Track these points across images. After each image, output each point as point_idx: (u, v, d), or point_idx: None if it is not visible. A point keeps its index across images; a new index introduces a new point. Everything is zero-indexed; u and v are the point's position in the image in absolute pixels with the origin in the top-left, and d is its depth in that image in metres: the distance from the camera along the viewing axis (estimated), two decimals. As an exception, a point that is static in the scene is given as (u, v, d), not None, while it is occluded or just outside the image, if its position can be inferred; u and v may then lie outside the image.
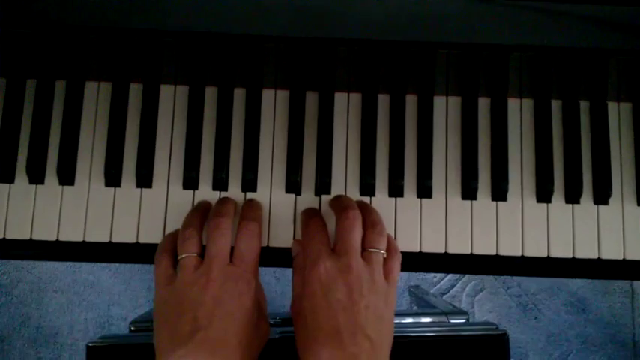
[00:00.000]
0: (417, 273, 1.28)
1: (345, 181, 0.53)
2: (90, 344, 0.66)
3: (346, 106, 0.54)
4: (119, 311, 1.31)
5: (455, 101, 0.54)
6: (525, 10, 0.44)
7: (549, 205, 0.53)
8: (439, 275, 1.34)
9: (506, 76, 0.50)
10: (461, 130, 0.54)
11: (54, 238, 0.51)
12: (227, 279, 0.45)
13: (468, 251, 0.52)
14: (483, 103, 0.54)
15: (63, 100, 0.53)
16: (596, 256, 0.52)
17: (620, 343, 1.33)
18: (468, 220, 0.52)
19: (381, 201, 0.53)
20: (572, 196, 0.53)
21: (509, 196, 0.53)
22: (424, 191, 0.53)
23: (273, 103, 0.54)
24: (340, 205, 0.49)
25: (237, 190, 0.53)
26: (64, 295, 1.32)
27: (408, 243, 0.52)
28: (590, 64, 0.47)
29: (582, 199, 0.53)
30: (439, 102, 0.54)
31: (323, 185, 0.52)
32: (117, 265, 1.31)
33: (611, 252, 0.52)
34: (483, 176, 0.53)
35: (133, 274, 1.32)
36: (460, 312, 0.85)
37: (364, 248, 0.47)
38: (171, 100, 0.54)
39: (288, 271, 0.50)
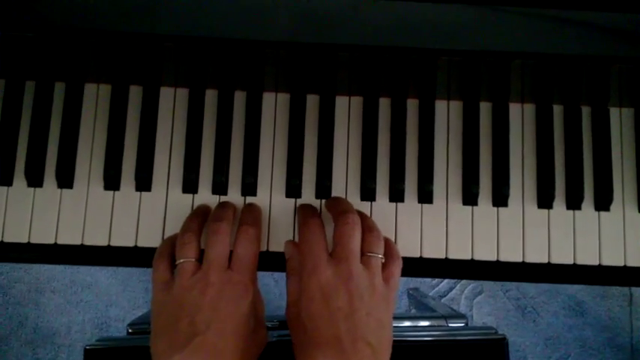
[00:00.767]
0: (416, 275, 1.28)
1: (345, 185, 0.53)
2: (87, 347, 0.66)
3: (347, 110, 0.54)
4: (117, 312, 1.31)
5: (456, 106, 0.54)
6: (527, 17, 0.43)
7: (550, 210, 0.53)
8: (438, 278, 1.34)
9: (507, 82, 0.50)
10: (462, 135, 0.54)
11: (52, 242, 0.51)
12: (225, 284, 0.45)
13: (469, 257, 0.52)
14: (485, 108, 0.54)
15: (62, 102, 0.53)
16: (597, 263, 0.52)
17: (618, 347, 1.33)
18: (469, 226, 0.52)
19: (381, 206, 0.52)
20: (574, 202, 0.52)
21: (510, 201, 0.53)
22: (425, 196, 0.52)
23: (274, 107, 0.54)
24: (338, 207, 0.48)
25: (237, 194, 0.52)
26: (61, 295, 1.31)
27: (409, 248, 0.51)
28: (592, 71, 0.47)
29: (583, 205, 0.53)
30: (440, 106, 0.54)
31: (323, 189, 0.52)
32: (115, 266, 1.31)
33: (612, 258, 0.52)
34: (484, 181, 0.53)
35: (131, 276, 1.32)
36: (459, 316, 0.85)
37: (363, 253, 0.46)
38: (171, 102, 0.54)
39: (288, 274, 0.50)
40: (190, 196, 0.52)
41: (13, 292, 1.31)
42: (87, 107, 0.53)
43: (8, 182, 0.52)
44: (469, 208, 0.52)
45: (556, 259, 0.52)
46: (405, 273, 0.50)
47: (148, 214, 0.52)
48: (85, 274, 1.32)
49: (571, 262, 0.52)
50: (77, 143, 0.52)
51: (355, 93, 0.54)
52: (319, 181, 0.52)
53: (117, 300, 1.31)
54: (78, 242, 0.51)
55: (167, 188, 0.52)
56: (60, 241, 0.51)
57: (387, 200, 0.53)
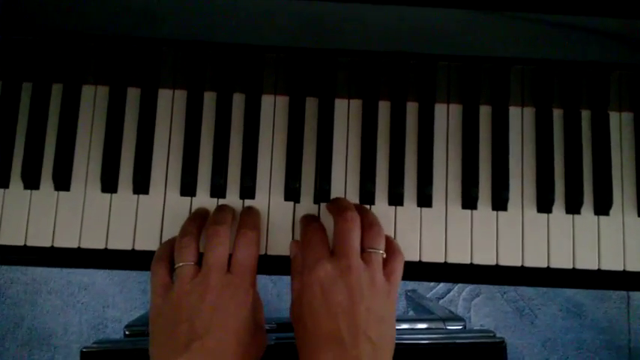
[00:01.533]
0: (414, 277, 1.28)
1: (344, 188, 0.53)
2: (84, 349, 0.65)
3: (346, 113, 0.54)
4: (114, 313, 1.31)
5: (456, 109, 0.54)
6: (526, 22, 0.43)
7: (550, 215, 0.52)
8: (436, 279, 1.34)
9: (507, 87, 0.50)
10: (462, 138, 0.53)
11: (49, 245, 0.51)
12: (225, 288, 0.44)
13: (468, 261, 0.52)
14: (484, 112, 0.54)
15: (59, 103, 0.52)
16: (596, 267, 0.52)
17: (616, 349, 1.33)
18: (468, 230, 0.52)
19: (380, 209, 0.52)
20: (573, 207, 0.52)
21: (509, 205, 0.52)
22: (424, 200, 0.52)
23: (273, 109, 0.54)
24: (338, 206, 0.49)
25: (236, 197, 0.52)
26: (58, 296, 1.31)
27: (408, 252, 0.51)
28: (592, 77, 0.47)
29: (583, 210, 0.53)
30: (440, 110, 0.54)
31: (322, 192, 0.52)
32: (112, 267, 1.30)
33: (612, 263, 0.52)
34: (484, 185, 0.53)
35: (128, 277, 1.31)
36: (457, 318, 0.85)
37: (363, 249, 0.46)
38: (169, 104, 0.53)
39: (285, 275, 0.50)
40: (188, 199, 0.52)
41: (9, 293, 1.31)
42: (84, 109, 0.53)
43: (4, 184, 0.51)
44: (468, 212, 0.52)
45: (555, 264, 0.52)
46: (404, 277, 0.49)
47: (146, 217, 0.51)
48: (82, 275, 1.31)
49: (570, 266, 0.52)
50: (74, 145, 0.52)
51: (354, 96, 0.54)
52: (318, 184, 0.52)
53: (114, 301, 1.31)
54: (75, 245, 0.51)
55: (165, 191, 0.52)
56: (57, 244, 0.51)
57: (387, 204, 0.52)
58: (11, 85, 0.52)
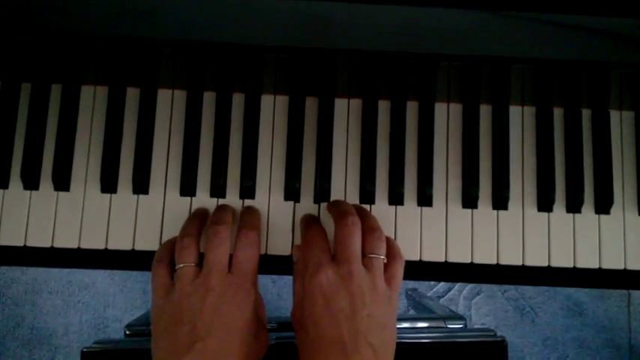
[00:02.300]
0: (414, 276, 1.28)
1: (344, 188, 0.52)
2: (84, 349, 0.65)
3: (346, 112, 0.54)
4: (114, 313, 1.31)
5: (456, 108, 0.54)
6: (527, 21, 0.43)
7: (550, 214, 0.52)
8: (436, 278, 1.34)
9: (507, 86, 0.50)
10: (462, 137, 0.53)
11: (49, 245, 0.50)
12: (226, 289, 0.44)
13: (469, 260, 0.51)
14: (485, 111, 0.54)
15: (58, 104, 0.52)
16: (597, 266, 0.52)
17: (617, 347, 1.33)
18: (469, 229, 0.52)
19: (380, 209, 0.52)
20: (574, 206, 0.52)
21: (510, 204, 0.52)
22: (424, 199, 0.52)
23: (273, 109, 0.53)
24: (339, 210, 0.48)
25: (236, 197, 0.52)
26: (58, 296, 1.31)
27: (408, 251, 0.51)
28: (592, 76, 0.46)
29: (583, 209, 0.52)
30: (440, 109, 0.54)
31: (322, 192, 0.52)
32: (112, 266, 1.30)
33: (612, 262, 0.52)
34: (484, 184, 0.53)
35: (129, 276, 1.31)
36: (458, 317, 0.85)
37: (364, 254, 0.46)
38: (169, 104, 0.53)
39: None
40: (188, 199, 0.52)
41: (9, 293, 1.31)
42: (84, 109, 0.53)
43: (4, 185, 0.51)
44: (469, 211, 0.52)
45: (556, 263, 0.52)
46: (405, 276, 0.49)
47: (146, 218, 0.51)
48: (82, 275, 1.31)
49: (571, 265, 0.52)
50: (74, 146, 0.52)
51: (354, 95, 0.53)
52: (318, 184, 0.52)
53: (114, 301, 1.31)
54: (75, 245, 0.51)
55: (165, 191, 0.52)
56: (57, 244, 0.51)
57: (387, 203, 0.52)
58: (10, 86, 0.52)
